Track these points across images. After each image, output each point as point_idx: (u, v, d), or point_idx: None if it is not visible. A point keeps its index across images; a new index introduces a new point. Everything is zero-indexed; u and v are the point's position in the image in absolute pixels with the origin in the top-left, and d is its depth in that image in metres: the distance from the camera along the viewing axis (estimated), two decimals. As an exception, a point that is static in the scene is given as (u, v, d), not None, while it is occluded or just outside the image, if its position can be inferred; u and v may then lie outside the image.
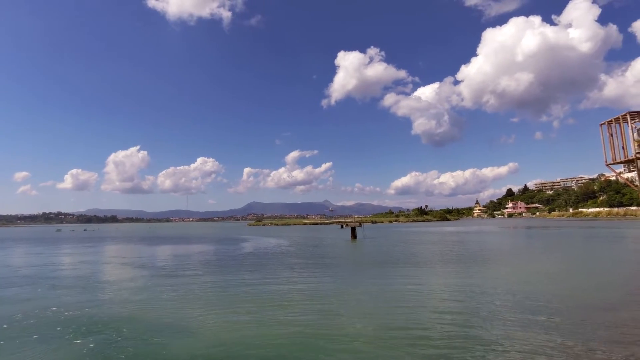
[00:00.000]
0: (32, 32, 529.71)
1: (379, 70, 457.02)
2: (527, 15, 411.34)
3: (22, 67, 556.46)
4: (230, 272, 23.33)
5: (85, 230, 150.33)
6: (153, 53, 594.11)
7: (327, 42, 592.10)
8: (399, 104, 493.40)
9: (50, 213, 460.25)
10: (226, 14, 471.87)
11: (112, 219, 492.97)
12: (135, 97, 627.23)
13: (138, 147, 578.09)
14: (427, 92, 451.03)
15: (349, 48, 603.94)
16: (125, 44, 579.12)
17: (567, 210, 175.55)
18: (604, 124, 15.15)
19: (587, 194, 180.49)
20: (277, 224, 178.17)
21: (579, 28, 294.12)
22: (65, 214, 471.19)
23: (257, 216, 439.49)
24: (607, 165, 15.37)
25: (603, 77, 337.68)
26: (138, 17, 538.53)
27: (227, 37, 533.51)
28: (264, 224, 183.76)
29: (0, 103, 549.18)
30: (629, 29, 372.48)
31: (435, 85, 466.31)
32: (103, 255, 38.89)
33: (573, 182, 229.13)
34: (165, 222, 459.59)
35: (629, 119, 14.24)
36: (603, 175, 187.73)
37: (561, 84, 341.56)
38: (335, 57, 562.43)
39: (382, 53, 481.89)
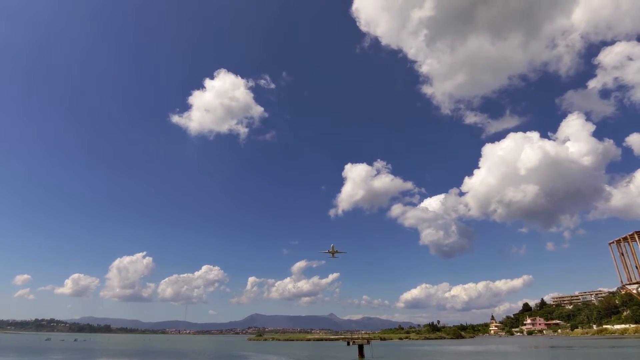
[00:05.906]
0: (49, 137, 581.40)
1: (386, 181, 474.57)
2: (524, 131, 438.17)
3: (34, 170, 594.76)
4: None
5: (75, 340, 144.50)
6: (171, 164, 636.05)
7: (336, 154, 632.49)
8: (406, 215, 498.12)
9: (42, 320, 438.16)
10: (243, 130, 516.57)
11: (106, 328, 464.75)
12: (146, 205, 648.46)
13: (144, 253, 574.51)
14: (433, 203, 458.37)
15: (356, 160, 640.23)
16: (144, 155, 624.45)
17: (590, 327, 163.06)
18: (613, 242, 15.14)
19: (609, 308, 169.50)
20: (279, 339, 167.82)
21: (577, 142, 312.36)
22: (58, 322, 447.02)
23: (259, 330, 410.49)
24: (623, 285, 14.84)
25: (608, 188, 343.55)
26: (161, 131, 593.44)
27: (242, 150, 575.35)
28: (265, 339, 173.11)
29: (7, 204, 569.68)
30: (624, 144, 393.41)
31: (442, 196, 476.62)
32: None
33: (592, 296, 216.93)
34: (160, 334, 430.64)
35: (637, 238, 14.41)
36: (624, 288, 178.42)
37: (567, 195, 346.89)
38: (342, 169, 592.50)
39: (389, 166, 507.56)
